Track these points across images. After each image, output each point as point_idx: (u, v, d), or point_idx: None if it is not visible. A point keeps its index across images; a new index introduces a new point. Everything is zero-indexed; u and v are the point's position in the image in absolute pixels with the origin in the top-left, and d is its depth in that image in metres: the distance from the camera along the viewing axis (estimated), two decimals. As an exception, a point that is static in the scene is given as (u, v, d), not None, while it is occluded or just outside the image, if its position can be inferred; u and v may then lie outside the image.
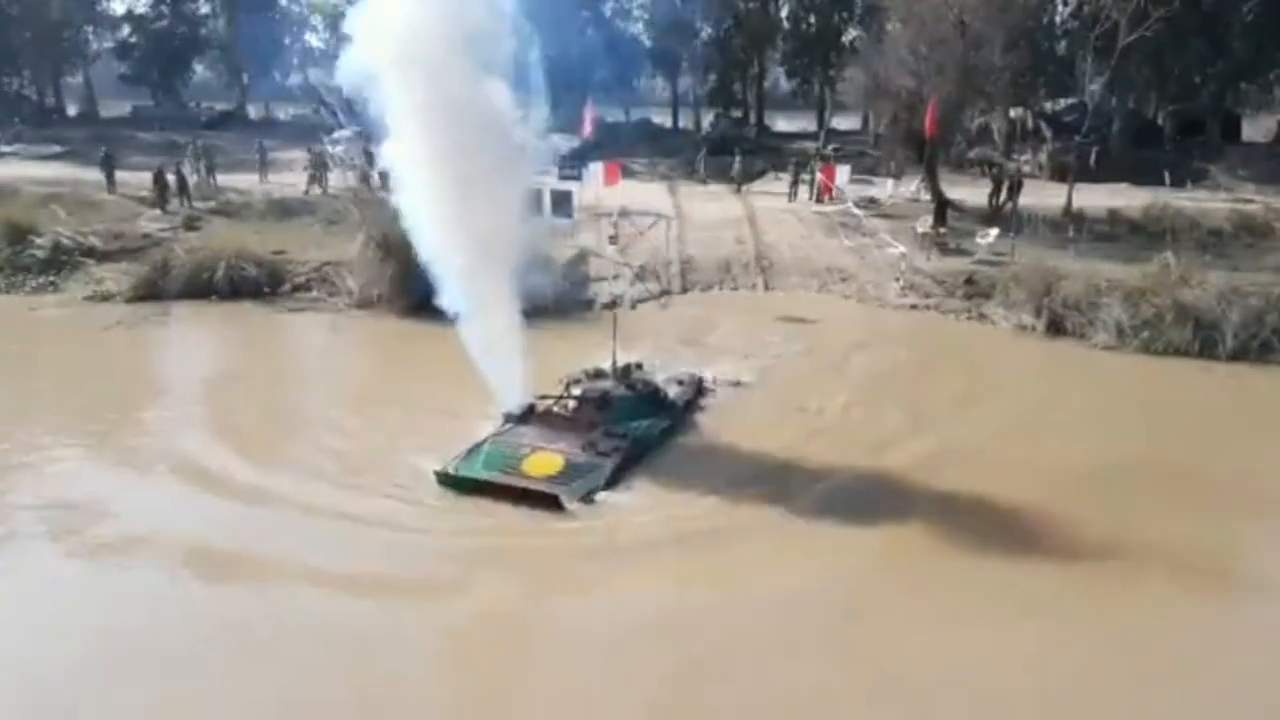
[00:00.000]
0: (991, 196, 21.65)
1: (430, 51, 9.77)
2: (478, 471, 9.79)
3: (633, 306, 17.13)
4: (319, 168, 23.10)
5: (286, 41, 39.98)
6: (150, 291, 17.57)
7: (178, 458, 10.57)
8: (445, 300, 10.93)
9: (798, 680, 7.05)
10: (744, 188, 25.52)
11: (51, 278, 18.28)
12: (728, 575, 8.51)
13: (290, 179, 24.24)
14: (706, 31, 36.64)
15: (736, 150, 27.15)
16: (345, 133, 20.66)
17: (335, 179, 22.60)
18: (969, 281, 17.81)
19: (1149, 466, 10.96)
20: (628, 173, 24.33)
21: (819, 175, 23.69)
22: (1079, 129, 24.35)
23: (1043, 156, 27.04)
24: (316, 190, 22.94)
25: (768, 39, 37.01)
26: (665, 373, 12.83)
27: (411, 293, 14.78)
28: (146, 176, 21.95)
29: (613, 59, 28.39)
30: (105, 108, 39.77)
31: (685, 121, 38.67)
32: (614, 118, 35.42)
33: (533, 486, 9.55)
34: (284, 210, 21.89)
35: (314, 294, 17.83)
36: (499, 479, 9.66)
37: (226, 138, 30.43)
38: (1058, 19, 30.59)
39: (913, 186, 24.19)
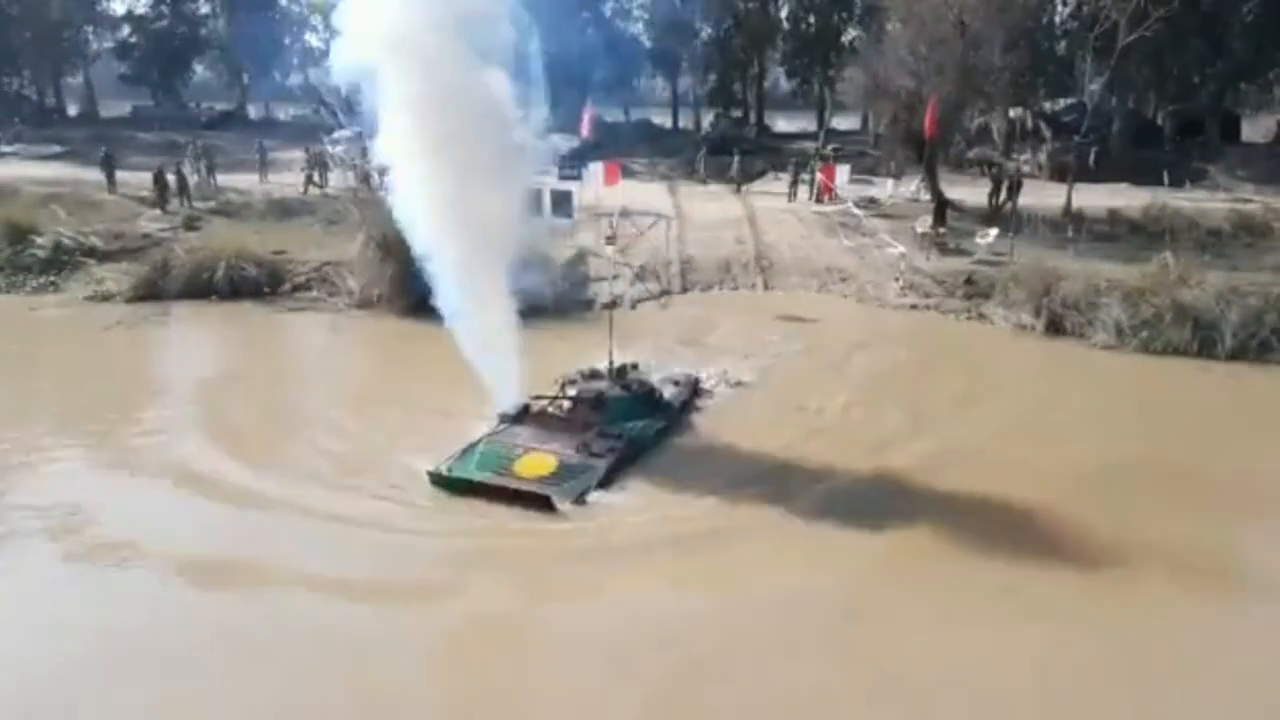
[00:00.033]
0: (991, 196, 21.65)
1: (422, 36, 9.60)
2: (471, 472, 9.78)
3: (633, 306, 17.14)
4: (316, 168, 23.12)
5: (286, 41, 39.94)
6: (150, 291, 17.57)
7: (177, 458, 10.57)
8: (440, 298, 10.84)
9: (797, 681, 7.05)
10: (744, 188, 25.52)
11: (52, 278, 18.29)
12: (725, 576, 8.50)
13: (290, 179, 24.28)
14: (706, 31, 36.64)
15: (736, 150, 27.13)
16: (345, 133, 20.64)
17: (335, 179, 22.60)
18: (969, 281, 17.81)
19: (1148, 466, 10.96)
20: (628, 173, 24.32)
21: (819, 175, 23.68)
22: (1078, 129, 24.35)
23: (1042, 156, 27.03)
24: (314, 190, 22.94)
25: (767, 39, 37.01)
26: (661, 373, 12.82)
27: (411, 292, 14.74)
28: (147, 176, 21.97)
29: (613, 59, 28.37)
30: (105, 108, 39.79)
31: (685, 121, 38.67)
32: (614, 118, 35.44)
33: (525, 487, 9.54)
34: (284, 210, 21.92)
35: (314, 294, 17.84)
36: (492, 480, 9.64)
37: (226, 138, 30.45)
38: (1057, 19, 30.62)
39: (912, 186, 24.19)
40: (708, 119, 38.29)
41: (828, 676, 7.21)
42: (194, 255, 18.21)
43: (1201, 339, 15.01)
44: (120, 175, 22.89)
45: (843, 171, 23.81)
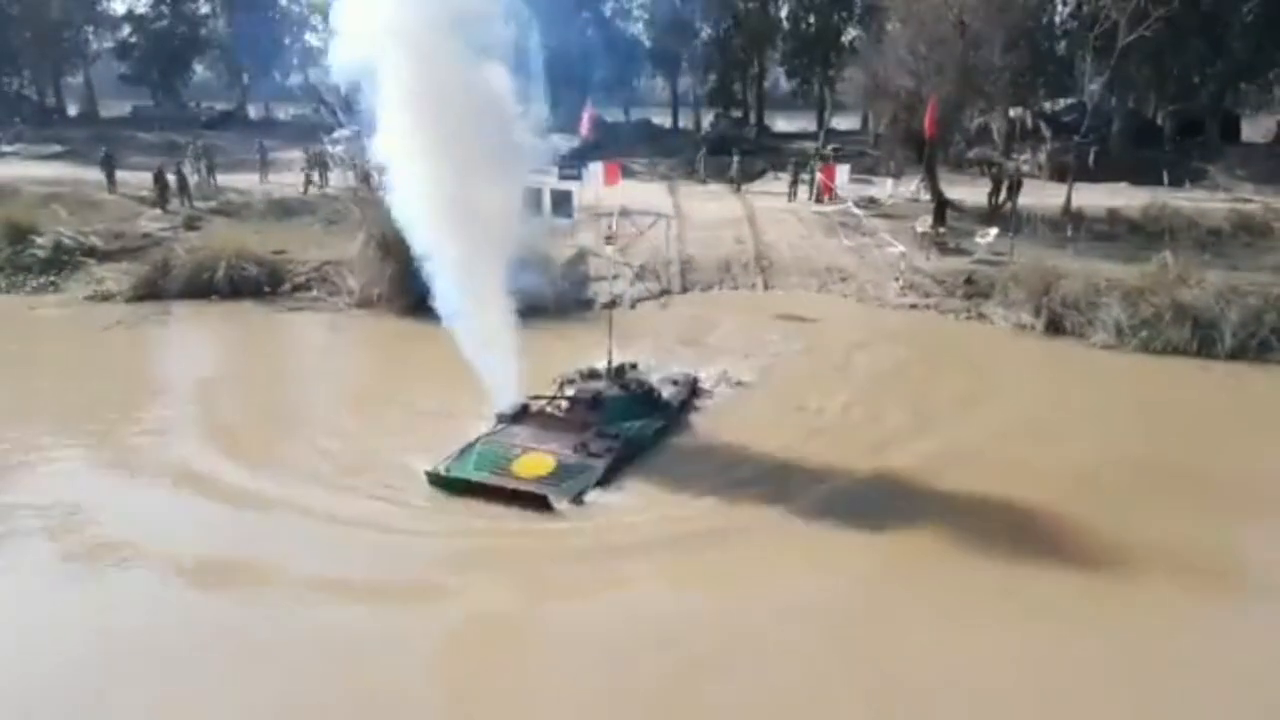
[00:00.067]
0: (991, 196, 21.64)
1: (420, 33, 9.56)
2: (469, 472, 9.78)
3: (632, 306, 17.15)
4: (316, 167, 23.10)
5: (286, 41, 39.90)
6: (150, 291, 17.58)
7: (177, 458, 10.57)
8: (439, 297, 10.81)
9: (797, 681, 7.04)
10: (743, 187, 25.52)
11: (52, 277, 18.29)
12: (725, 576, 8.50)
13: (290, 179, 24.28)
14: (706, 31, 36.61)
15: (735, 150, 27.12)
16: (345, 132, 20.63)
17: (335, 178, 22.59)
18: (968, 281, 17.81)
19: (1148, 466, 10.96)
20: (627, 173, 24.32)
21: (819, 175, 23.68)
22: (1078, 129, 24.34)
23: (1042, 156, 27.00)
24: (314, 190, 22.93)
25: (767, 39, 36.97)
26: (660, 373, 12.81)
27: (411, 292, 14.74)
28: (147, 176, 21.96)
29: (613, 59, 28.41)
30: (105, 108, 39.75)
31: (685, 121, 38.63)
32: (614, 118, 35.41)
33: (522, 487, 9.53)
34: (284, 210, 21.91)
35: (314, 293, 17.84)
36: (489, 480, 9.63)
37: (226, 138, 30.41)
38: (1057, 19, 30.58)
39: (912, 186, 24.19)
40: (708, 119, 38.26)
41: (827, 676, 7.20)
42: (194, 255, 18.21)
43: (1201, 338, 15.02)
44: (120, 175, 22.88)
45: (843, 171, 23.79)
